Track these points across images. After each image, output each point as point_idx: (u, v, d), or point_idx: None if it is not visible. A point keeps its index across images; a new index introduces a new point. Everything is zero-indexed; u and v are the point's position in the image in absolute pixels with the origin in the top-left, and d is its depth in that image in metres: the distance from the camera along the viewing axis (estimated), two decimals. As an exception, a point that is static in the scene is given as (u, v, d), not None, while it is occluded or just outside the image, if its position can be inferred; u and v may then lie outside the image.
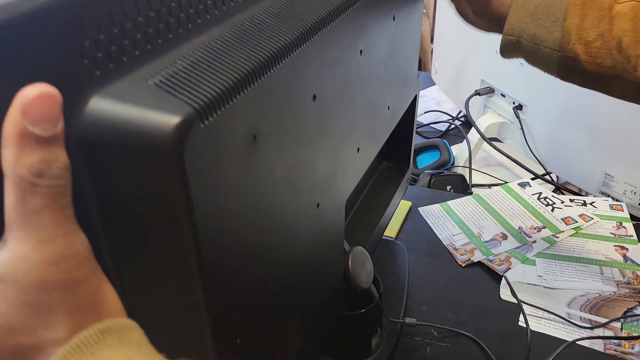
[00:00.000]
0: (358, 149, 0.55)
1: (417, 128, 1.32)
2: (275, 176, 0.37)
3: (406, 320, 0.69)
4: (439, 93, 1.48)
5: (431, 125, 1.35)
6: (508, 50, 0.63)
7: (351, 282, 0.59)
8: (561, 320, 0.71)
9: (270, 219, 0.37)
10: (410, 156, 0.81)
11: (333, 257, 0.55)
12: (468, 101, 1.12)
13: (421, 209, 0.94)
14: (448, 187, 1.04)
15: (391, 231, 0.88)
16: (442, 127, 1.32)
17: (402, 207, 0.94)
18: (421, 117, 1.35)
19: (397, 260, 0.81)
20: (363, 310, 0.62)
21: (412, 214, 0.93)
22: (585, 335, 0.68)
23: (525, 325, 0.71)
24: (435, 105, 1.43)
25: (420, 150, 1.20)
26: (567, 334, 0.69)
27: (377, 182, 0.79)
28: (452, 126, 1.30)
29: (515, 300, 0.75)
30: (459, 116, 1.34)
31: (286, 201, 0.39)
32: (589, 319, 0.70)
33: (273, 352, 0.43)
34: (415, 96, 0.75)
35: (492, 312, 0.74)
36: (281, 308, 0.44)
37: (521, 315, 0.72)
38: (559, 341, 0.68)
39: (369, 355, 0.66)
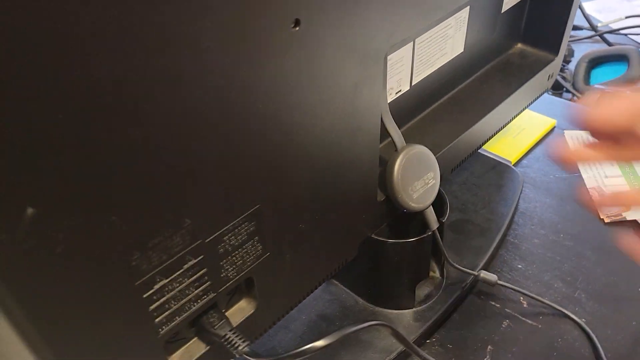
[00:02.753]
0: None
1: (607, 35, 0.96)
2: None
3: (481, 274, 0.46)
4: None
5: (630, 35, 0.97)
6: None
7: (394, 195, 0.39)
8: None
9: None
10: (561, 40, 0.53)
11: (365, 151, 0.35)
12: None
13: (568, 134, 0.65)
14: (624, 114, 0.72)
15: (510, 152, 0.62)
16: (648, 39, 0.94)
17: (539, 123, 0.66)
18: (625, 30, 0.98)
19: (504, 191, 0.56)
20: (392, 241, 0.41)
21: (553, 138, 0.65)
22: None
23: (681, 335, 0.44)
24: (645, 8, 1.03)
25: (600, 61, 0.86)
26: None
27: (496, 70, 0.53)
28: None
29: (676, 293, 0.47)
30: (677, 28, 0.94)
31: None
32: None
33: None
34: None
35: (626, 302, 0.47)
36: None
37: (679, 318, 0.45)
38: None
39: (411, 305, 0.46)
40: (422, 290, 0.47)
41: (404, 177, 0.39)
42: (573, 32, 1.00)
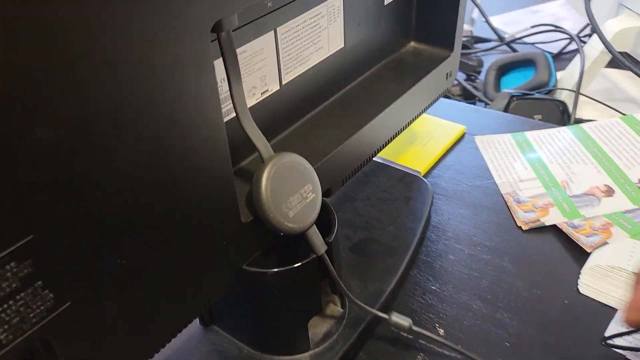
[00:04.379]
0: None
1: (516, 44, 0.94)
2: None
3: (392, 318, 0.38)
4: (560, 9, 1.08)
5: (536, 44, 0.97)
6: None
7: (265, 215, 0.31)
8: (693, 352, 0.37)
9: None
10: (454, 35, 0.48)
11: (208, 163, 0.27)
12: (591, -8, 0.74)
13: (479, 139, 0.61)
14: (536, 116, 0.69)
15: (419, 162, 0.57)
16: (556, 48, 0.93)
17: (449, 130, 0.61)
18: (529, 38, 0.97)
19: (413, 204, 0.50)
20: (266, 271, 0.33)
21: (464, 145, 0.60)
22: None
23: (618, 350, 0.38)
24: (552, 21, 1.03)
25: (511, 67, 0.84)
26: (701, 381, 0.35)
27: (388, 69, 0.48)
28: (570, 47, 0.91)
29: (604, 300, 0.41)
30: (580, 35, 0.94)
31: None
32: None
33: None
34: None
35: (557, 313, 0.41)
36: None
37: (612, 327, 0.39)
38: (682, 393, 0.35)
39: (307, 347, 0.38)
40: (319, 328, 0.39)
41: (275, 193, 0.31)
42: (482, 45, 0.99)
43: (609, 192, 0.50)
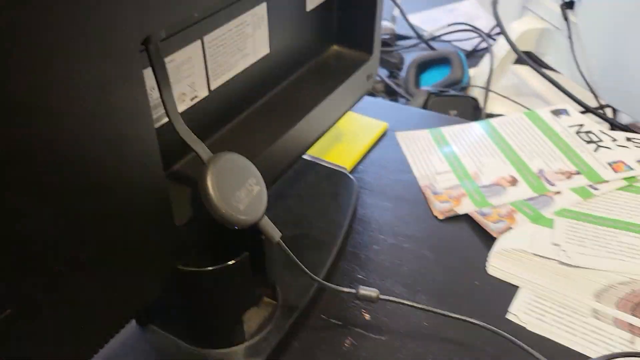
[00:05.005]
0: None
1: (432, 42, 1.00)
2: None
3: (360, 291, 0.41)
4: (473, 8, 1.15)
5: (454, 42, 1.03)
6: None
7: (217, 212, 0.33)
8: (582, 321, 0.42)
9: None
10: (372, 39, 0.52)
11: (139, 167, 0.29)
12: (498, -4, 0.80)
13: (400, 135, 0.65)
14: (452, 112, 0.74)
15: (345, 159, 0.60)
16: (470, 46, 1.00)
17: (371, 128, 0.65)
18: (446, 36, 1.03)
19: (340, 199, 0.53)
20: (201, 270, 0.35)
21: (387, 141, 0.64)
22: (619, 351, 0.40)
23: (519, 322, 0.43)
24: (466, 20, 1.10)
25: (429, 64, 0.89)
26: (588, 344, 0.41)
27: (312, 72, 0.50)
28: (482, 45, 0.98)
29: (509, 280, 0.46)
30: (492, 33, 1.01)
31: None
32: (629, 324, 0.42)
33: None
34: None
35: (468, 293, 0.46)
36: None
37: (515, 305, 0.44)
38: (572, 355, 0.40)
39: (242, 339, 0.40)
40: (253, 320, 0.41)
41: (222, 189, 0.33)
42: (402, 42, 1.04)
43: (514, 181, 0.55)
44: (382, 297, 0.41)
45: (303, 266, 0.39)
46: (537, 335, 0.42)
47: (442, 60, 0.87)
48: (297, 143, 0.46)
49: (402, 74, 0.94)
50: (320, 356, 0.41)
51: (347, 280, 0.47)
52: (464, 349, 0.41)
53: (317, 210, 0.52)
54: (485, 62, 0.84)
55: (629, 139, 0.60)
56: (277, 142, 0.42)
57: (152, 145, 0.29)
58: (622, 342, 0.41)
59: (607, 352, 0.39)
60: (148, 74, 0.30)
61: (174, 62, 0.35)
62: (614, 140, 0.60)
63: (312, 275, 0.39)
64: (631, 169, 0.55)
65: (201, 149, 0.34)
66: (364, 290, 0.41)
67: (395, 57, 0.95)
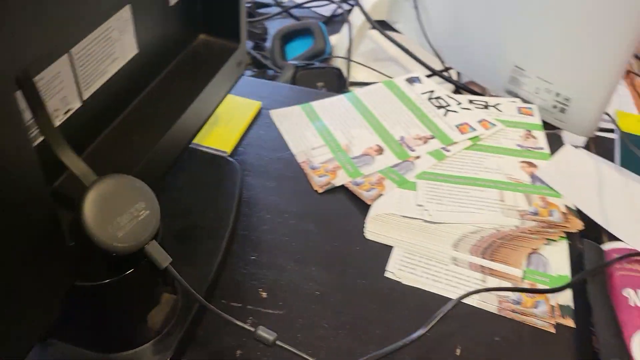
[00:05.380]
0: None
1: (292, 11, 1.03)
2: None
3: (258, 331, 0.39)
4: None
5: (313, 9, 1.06)
6: None
7: (91, 239, 0.33)
8: (445, 269, 0.50)
9: None
10: (238, 27, 0.53)
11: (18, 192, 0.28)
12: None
13: (274, 113, 0.68)
14: (319, 84, 0.78)
15: (224, 142, 0.62)
16: (328, 12, 1.04)
17: (246, 108, 0.67)
18: (306, 4, 1.06)
19: (225, 185, 0.55)
20: (98, 284, 0.36)
21: (262, 120, 0.67)
22: (474, 289, 0.48)
23: (395, 278, 0.49)
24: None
25: (291, 36, 0.92)
26: (451, 288, 0.49)
27: (185, 65, 0.51)
28: (339, 11, 1.02)
29: (384, 242, 0.53)
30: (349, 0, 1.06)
31: None
32: (481, 266, 0.50)
33: None
34: None
35: (352, 258, 0.51)
36: None
37: (391, 263, 0.51)
38: (439, 300, 0.48)
39: (148, 338, 0.42)
40: (157, 318, 0.43)
41: (99, 217, 0.33)
42: (263, 10, 1.04)
43: (380, 150, 0.62)
44: (278, 343, 0.39)
45: (194, 292, 0.38)
46: (410, 287, 0.49)
47: (304, 31, 0.90)
48: (178, 138, 0.46)
49: (267, 44, 0.96)
50: (225, 339, 0.44)
51: (242, 264, 0.50)
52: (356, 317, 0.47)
53: (204, 199, 0.54)
54: (344, 31, 0.88)
55: (471, 102, 0.69)
56: (160, 142, 0.43)
57: (31, 164, 0.29)
58: (475, 281, 0.49)
59: (464, 292, 0.48)
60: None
61: (43, 80, 0.34)
62: (459, 103, 0.68)
63: (206, 303, 0.39)
64: (474, 129, 0.64)
65: (81, 173, 0.33)
66: (262, 332, 0.39)
67: (258, 27, 0.96)
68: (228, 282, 0.49)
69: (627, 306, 0.47)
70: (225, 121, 0.64)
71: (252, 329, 0.39)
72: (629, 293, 0.48)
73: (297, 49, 0.90)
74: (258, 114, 0.67)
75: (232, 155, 0.61)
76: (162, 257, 0.37)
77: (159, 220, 0.36)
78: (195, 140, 0.61)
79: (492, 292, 0.48)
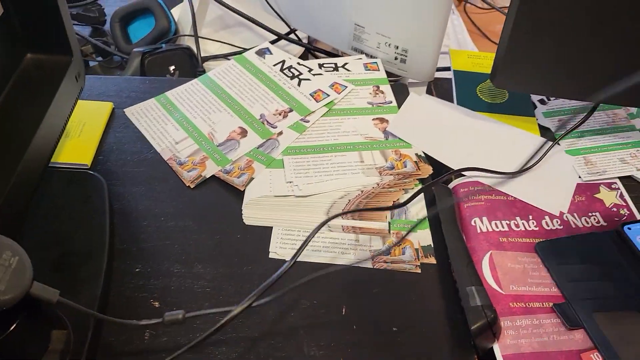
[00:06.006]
0: None
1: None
2: None
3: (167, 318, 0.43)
4: None
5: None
6: None
7: None
8: (322, 237, 0.54)
9: None
10: (67, 38, 0.50)
11: None
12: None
13: (128, 111, 0.66)
14: (171, 68, 0.77)
15: (82, 154, 0.59)
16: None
17: (97, 112, 0.64)
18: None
19: (92, 200, 0.54)
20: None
21: (117, 121, 0.65)
22: (351, 252, 0.53)
23: (278, 257, 0.53)
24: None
25: (131, 17, 0.87)
26: (330, 254, 0.53)
27: (19, 91, 0.47)
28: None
29: (263, 224, 0.56)
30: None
31: None
32: (352, 227, 0.55)
33: None
34: None
35: (235, 247, 0.54)
36: None
37: (272, 243, 0.54)
38: (323, 266, 0.52)
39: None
40: (52, 356, 0.43)
41: None
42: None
43: (244, 133, 0.63)
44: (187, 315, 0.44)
45: (93, 311, 0.40)
46: (296, 262, 0.53)
47: (144, 10, 0.86)
48: (33, 167, 0.44)
49: (107, 27, 0.90)
50: (127, 356, 0.46)
51: (128, 278, 0.51)
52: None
53: (74, 220, 0.52)
54: (185, 5, 0.85)
55: (321, 66, 0.72)
56: (13, 176, 0.41)
57: None
58: (350, 242, 0.54)
59: (342, 256, 0.53)
60: None
61: None
62: (310, 70, 0.71)
63: (106, 317, 0.41)
64: (327, 95, 0.68)
65: None
66: (170, 316, 0.43)
67: (93, 10, 0.90)
68: (117, 300, 0.49)
69: (475, 234, 0.55)
70: (77, 131, 0.62)
71: (160, 320, 0.41)
72: (475, 222, 0.56)
73: (141, 30, 0.86)
74: (112, 116, 0.65)
75: (93, 166, 0.59)
76: (49, 294, 0.37)
77: (29, 260, 0.36)
78: (51, 159, 0.58)
79: (365, 249, 0.54)
